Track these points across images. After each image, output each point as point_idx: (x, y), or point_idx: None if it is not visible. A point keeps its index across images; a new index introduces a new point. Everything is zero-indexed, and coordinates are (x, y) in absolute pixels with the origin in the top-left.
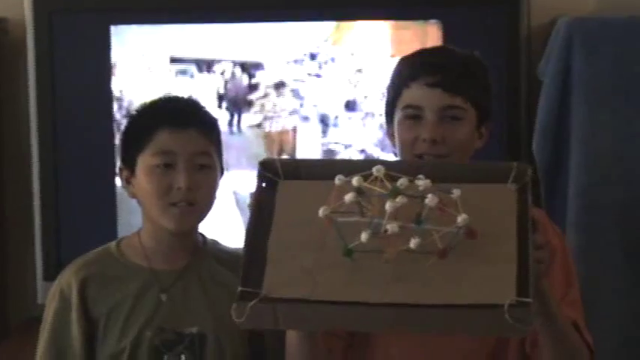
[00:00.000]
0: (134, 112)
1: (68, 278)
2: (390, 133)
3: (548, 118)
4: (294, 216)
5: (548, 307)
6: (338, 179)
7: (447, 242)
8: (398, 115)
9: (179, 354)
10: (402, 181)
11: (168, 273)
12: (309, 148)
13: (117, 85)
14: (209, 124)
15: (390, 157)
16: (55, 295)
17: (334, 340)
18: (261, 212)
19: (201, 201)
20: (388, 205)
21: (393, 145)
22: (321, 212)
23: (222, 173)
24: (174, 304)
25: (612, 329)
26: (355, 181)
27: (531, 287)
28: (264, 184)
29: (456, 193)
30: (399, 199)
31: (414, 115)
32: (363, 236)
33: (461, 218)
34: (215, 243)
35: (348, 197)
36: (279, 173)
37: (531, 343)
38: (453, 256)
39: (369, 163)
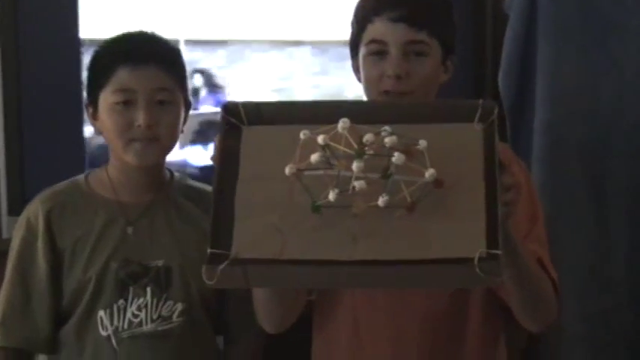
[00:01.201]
0: (96, 49)
1: (35, 208)
2: (355, 68)
3: (514, 53)
4: (259, 169)
5: (513, 246)
6: (303, 134)
7: (416, 196)
8: (362, 51)
9: (144, 286)
10: (368, 137)
11: (134, 206)
12: None
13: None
14: (170, 60)
15: None
16: (22, 224)
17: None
18: (226, 162)
19: (163, 136)
20: (355, 166)
21: (359, 79)
22: (287, 170)
23: (188, 108)
24: (140, 237)
25: (577, 264)
26: (320, 139)
27: (500, 238)
28: (227, 130)
29: (422, 144)
30: (365, 158)
31: (379, 51)
32: (331, 195)
33: (428, 173)
34: (183, 178)
35: (314, 157)
36: (243, 118)
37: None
38: (422, 208)
39: (332, 106)
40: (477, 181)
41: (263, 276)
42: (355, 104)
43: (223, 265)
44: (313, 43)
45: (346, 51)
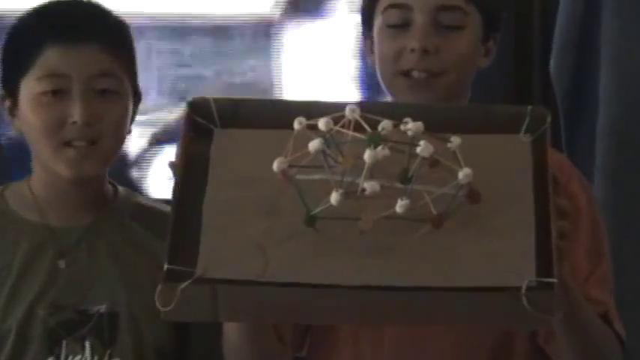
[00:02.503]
0: (15, 23)
1: None
2: (367, 49)
3: (571, 33)
4: (236, 172)
5: (569, 294)
6: (298, 122)
7: (443, 207)
8: (378, 22)
9: (82, 338)
10: (385, 124)
11: (67, 231)
12: None
13: None
14: (115, 36)
15: None
16: None
17: (285, 328)
18: (190, 169)
19: (105, 138)
20: (367, 156)
21: (371, 65)
22: (275, 166)
23: (137, 100)
24: (76, 273)
25: None
26: (323, 123)
27: (556, 263)
28: (194, 133)
29: (455, 141)
30: (381, 149)
31: (400, 21)
32: (333, 198)
33: (463, 173)
34: (130, 194)
35: (313, 145)
36: (215, 118)
37: (546, 336)
38: (452, 224)
39: (336, 105)
40: (522, 199)
41: (237, 303)
42: (369, 104)
43: (185, 285)
44: None
45: None
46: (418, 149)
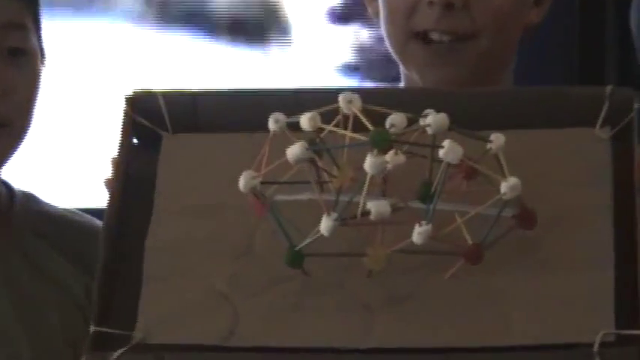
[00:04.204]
0: None
1: None
2: (373, 10)
3: None
4: (192, 196)
5: None
6: (275, 121)
7: (481, 234)
8: None
9: None
10: (395, 119)
11: None
12: None
13: None
14: None
15: None
16: None
17: None
18: (129, 192)
19: (15, 116)
20: (369, 164)
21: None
22: (242, 182)
23: (42, 63)
24: None
25: None
26: (307, 120)
27: None
28: (135, 141)
29: (497, 141)
30: (391, 155)
31: None
32: (325, 225)
33: (507, 185)
34: (31, 200)
35: (293, 152)
36: (165, 120)
37: None
38: (494, 258)
39: (327, 92)
40: (598, 217)
41: None
42: (369, 94)
43: (119, 353)
44: None
45: None
46: (442, 153)
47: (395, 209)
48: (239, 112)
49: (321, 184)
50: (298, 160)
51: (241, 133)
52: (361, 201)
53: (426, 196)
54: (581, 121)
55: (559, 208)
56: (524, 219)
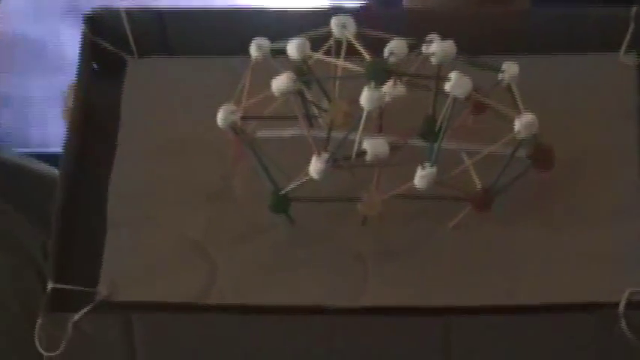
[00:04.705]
0: None
1: None
2: None
3: None
4: (161, 131)
5: None
6: (258, 47)
7: (492, 178)
8: None
9: None
10: (395, 46)
11: None
12: None
13: None
14: None
15: None
16: None
17: None
18: (89, 127)
19: None
20: (365, 97)
21: None
22: (220, 118)
23: None
24: None
25: None
26: (295, 47)
27: None
28: (95, 66)
29: (510, 70)
30: (389, 87)
31: None
32: (314, 167)
33: (521, 122)
34: None
35: (279, 84)
36: (129, 42)
37: None
38: (504, 206)
39: (316, 14)
40: (625, 160)
41: (167, 340)
42: (364, 16)
43: (82, 314)
44: None
45: None
46: (448, 86)
47: (394, 149)
48: (214, 33)
49: (310, 120)
50: (284, 92)
51: (217, 57)
52: (356, 139)
53: (431, 134)
54: (603, 45)
55: (580, 148)
56: (541, 160)
